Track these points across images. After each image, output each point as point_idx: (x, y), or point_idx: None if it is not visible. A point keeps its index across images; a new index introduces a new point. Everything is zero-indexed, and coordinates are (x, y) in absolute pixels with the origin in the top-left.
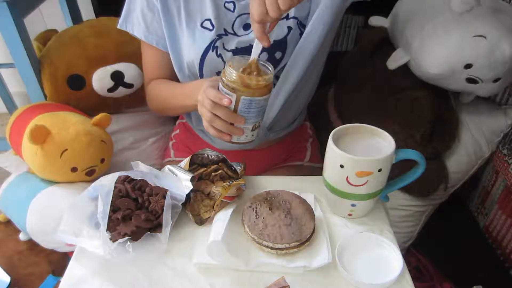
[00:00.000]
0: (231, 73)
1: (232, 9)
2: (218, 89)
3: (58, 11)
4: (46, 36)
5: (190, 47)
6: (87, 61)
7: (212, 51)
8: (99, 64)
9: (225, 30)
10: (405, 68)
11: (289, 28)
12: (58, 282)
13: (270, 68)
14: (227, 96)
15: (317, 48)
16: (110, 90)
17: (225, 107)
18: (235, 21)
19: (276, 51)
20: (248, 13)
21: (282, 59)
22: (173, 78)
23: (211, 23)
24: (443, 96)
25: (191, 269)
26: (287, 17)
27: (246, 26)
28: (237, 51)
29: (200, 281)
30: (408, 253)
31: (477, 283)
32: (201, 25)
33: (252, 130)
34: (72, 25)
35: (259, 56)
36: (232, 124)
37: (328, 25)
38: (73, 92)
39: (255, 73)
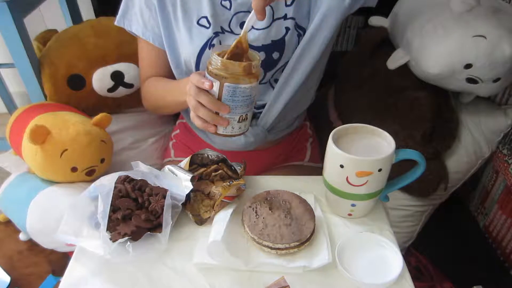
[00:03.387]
0: (215, 60)
1: (228, 7)
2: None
3: (58, 11)
4: (46, 36)
5: (187, 44)
6: (87, 61)
7: (209, 49)
8: (99, 64)
9: (221, 28)
10: (405, 68)
11: (287, 29)
12: (58, 282)
13: (257, 56)
14: (210, 80)
15: (320, 51)
16: (110, 90)
17: (209, 94)
18: (231, 19)
19: (274, 52)
20: (245, 11)
21: (280, 60)
22: (169, 76)
23: (208, 21)
24: (443, 96)
25: (191, 269)
26: (285, 17)
27: (243, 25)
28: None
29: (200, 281)
30: (408, 253)
31: (477, 283)
32: (198, 23)
33: (239, 121)
34: (72, 25)
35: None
36: (217, 114)
37: (333, 29)
38: (73, 92)
39: (243, 59)
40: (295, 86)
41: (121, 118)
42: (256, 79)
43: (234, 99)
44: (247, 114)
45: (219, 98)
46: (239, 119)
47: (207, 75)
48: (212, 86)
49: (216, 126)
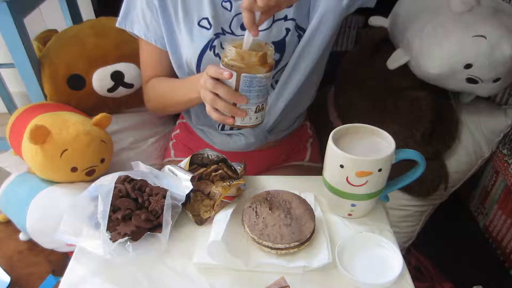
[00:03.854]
0: (231, 51)
1: (229, 8)
2: None
3: (58, 11)
4: (46, 36)
5: (188, 46)
6: (87, 61)
7: (210, 50)
8: (99, 64)
9: (222, 29)
10: (405, 68)
11: (287, 30)
12: (58, 282)
13: (271, 46)
14: (228, 70)
15: (320, 51)
16: (110, 90)
17: (226, 86)
18: (232, 20)
19: (275, 53)
20: None
21: (281, 61)
22: (172, 76)
23: (209, 22)
24: (443, 96)
25: (191, 269)
26: (286, 19)
27: (244, 26)
28: None
29: (200, 281)
30: (408, 253)
31: (477, 283)
32: (199, 24)
33: (256, 112)
34: (72, 25)
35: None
36: (234, 105)
37: (332, 29)
38: (73, 92)
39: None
40: (295, 86)
41: (121, 118)
42: (271, 68)
43: (251, 89)
44: (263, 104)
45: (236, 89)
46: (256, 109)
47: (222, 67)
48: (231, 75)
49: (233, 118)
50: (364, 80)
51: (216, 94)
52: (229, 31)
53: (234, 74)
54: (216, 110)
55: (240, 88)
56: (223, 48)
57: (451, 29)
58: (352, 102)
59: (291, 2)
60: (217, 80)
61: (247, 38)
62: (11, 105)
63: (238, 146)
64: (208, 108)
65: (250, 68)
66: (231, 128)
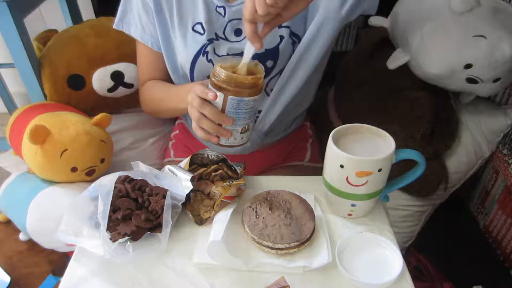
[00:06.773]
0: (220, 72)
1: (222, 14)
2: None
3: (58, 11)
4: (46, 36)
5: (182, 50)
6: (87, 61)
7: (203, 56)
8: (99, 64)
9: (216, 34)
10: (405, 68)
11: (281, 37)
12: (58, 282)
13: (261, 69)
14: (214, 91)
15: (317, 59)
16: (110, 90)
17: (212, 106)
18: (226, 26)
19: (268, 60)
20: (239, 19)
21: (274, 68)
22: (167, 79)
23: (202, 27)
24: (443, 96)
25: (191, 269)
26: (279, 26)
27: (238, 32)
28: None
29: (200, 281)
30: (408, 253)
31: (477, 283)
32: (192, 29)
33: (242, 132)
34: (72, 25)
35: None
36: (220, 125)
37: (330, 38)
38: (73, 92)
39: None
40: (291, 94)
41: (121, 118)
42: (260, 92)
43: (238, 111)
44: (249, 125)
45: (223, 110)
46: (241, 130)
47: (210, 86)
48: (216, 97)
49: (218, 137)
50: (364, 80)
51: (203, 113)
52: (223, 36)
53: (221, 95)
54: (202, 128)
55: (227, 110)
56: (216, 55)
57: (451, 29)
58: (352, 102)
59: (292, 12)
60: (204, 99)
61: (248, 50)
62: (11, 105)
63: (234, 150)
64: (194, 125)
65: (238, 92)
66: None
